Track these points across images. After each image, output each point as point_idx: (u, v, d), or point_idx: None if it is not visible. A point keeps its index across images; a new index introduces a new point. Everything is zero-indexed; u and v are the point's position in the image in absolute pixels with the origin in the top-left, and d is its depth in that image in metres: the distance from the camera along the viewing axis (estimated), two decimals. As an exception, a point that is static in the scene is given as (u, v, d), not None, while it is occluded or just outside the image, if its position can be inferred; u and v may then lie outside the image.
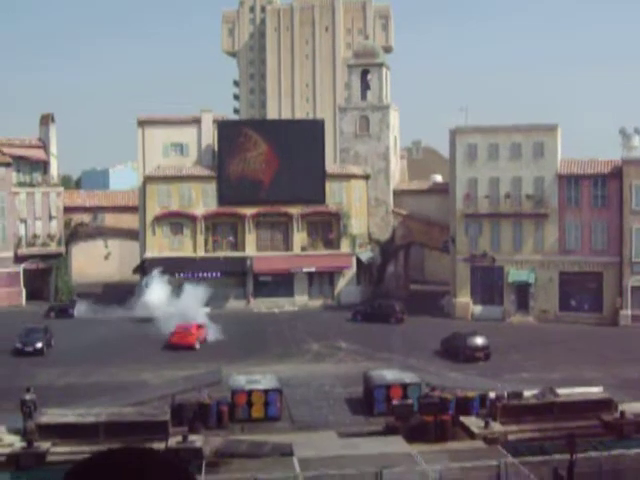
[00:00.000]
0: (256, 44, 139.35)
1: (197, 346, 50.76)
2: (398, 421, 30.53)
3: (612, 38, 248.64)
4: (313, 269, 69.86)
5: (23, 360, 47.08)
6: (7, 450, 27.28)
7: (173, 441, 27.52)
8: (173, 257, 68.27)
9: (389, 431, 30.13)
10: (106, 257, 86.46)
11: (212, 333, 53.64)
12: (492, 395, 32.36)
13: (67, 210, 75.73)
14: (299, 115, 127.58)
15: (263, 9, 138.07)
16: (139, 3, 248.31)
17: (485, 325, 56.97)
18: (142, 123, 71.85)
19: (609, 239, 61.98)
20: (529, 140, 63.52)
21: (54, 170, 75.13)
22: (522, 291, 63.81)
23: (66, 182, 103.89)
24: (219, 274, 67.82)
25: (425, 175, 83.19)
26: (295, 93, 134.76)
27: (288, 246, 70.97)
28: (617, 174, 61.47)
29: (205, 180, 69.93)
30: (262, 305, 68.69)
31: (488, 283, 64.66)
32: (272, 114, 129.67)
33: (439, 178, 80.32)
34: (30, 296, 70.67)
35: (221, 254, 69.70)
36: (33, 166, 73.23)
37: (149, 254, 69.06)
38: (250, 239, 70.32)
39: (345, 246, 71.12)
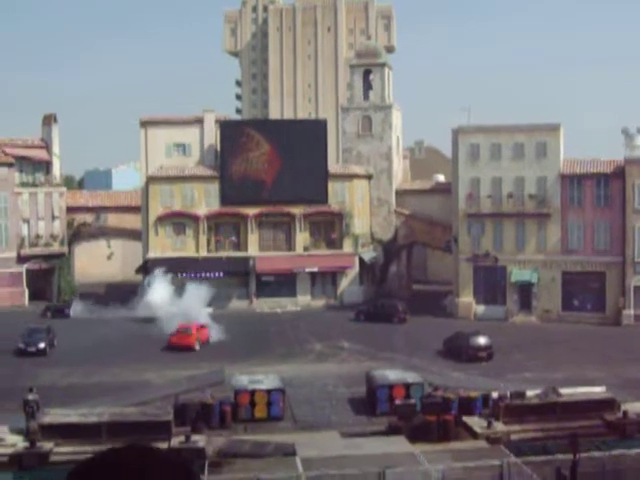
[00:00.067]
0: (258, 44, 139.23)
1: (197, 347, 50.62)
2: (401, 421, 30.54)
3: (612, 38, 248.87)
4: (316, 269, 69.82)
5: (26, 360, 47.05)
6: (10, 450, 27.34)
7: (176, 441, 27.58)
8: (176, 257, 68.25)
9: (392, 431, 30.14)
10: (109, 257, 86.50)
11: (215, 333, 53.56)
12: (495, 395, 32.39)
13: (70, 210, 75.73)
14: (301, 115, 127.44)
15: (265, 9, 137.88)
16: (141, 3, 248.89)
17: (488, 325, 56.88)
18: (145, 123, 71.93)
19: (612, 239, 61.90)
20: (532, 140, 63.45)
21: (57, 170, 75.11)
22: (525, 291, 63.75)
23: (69, 182, 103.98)
24: (222, 274, 67.80)
25: (427, 175, 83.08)
26: (297, 93, 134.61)
27: (291, 246, 70.95)
28: (620, 174, 61.38)
29: (208, 180, 69.94)
30: (265, 305, 68.67)
31: (491, 283, 64.60)
32: (274, 114, 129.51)
33: (441, 178, 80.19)
34: (33, 296, 70.61)
35: (224, 254, 69.69)
36: (36, 166, 73.23)
37: (152, 254, 69.07)
38: (252, 239, 70.31)
39: (348, 246, 71.07)
